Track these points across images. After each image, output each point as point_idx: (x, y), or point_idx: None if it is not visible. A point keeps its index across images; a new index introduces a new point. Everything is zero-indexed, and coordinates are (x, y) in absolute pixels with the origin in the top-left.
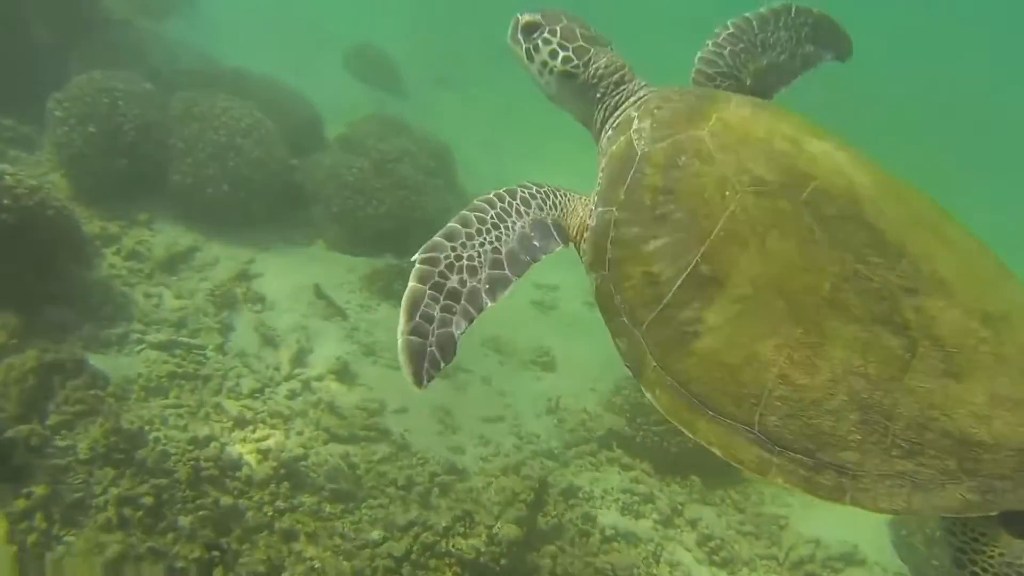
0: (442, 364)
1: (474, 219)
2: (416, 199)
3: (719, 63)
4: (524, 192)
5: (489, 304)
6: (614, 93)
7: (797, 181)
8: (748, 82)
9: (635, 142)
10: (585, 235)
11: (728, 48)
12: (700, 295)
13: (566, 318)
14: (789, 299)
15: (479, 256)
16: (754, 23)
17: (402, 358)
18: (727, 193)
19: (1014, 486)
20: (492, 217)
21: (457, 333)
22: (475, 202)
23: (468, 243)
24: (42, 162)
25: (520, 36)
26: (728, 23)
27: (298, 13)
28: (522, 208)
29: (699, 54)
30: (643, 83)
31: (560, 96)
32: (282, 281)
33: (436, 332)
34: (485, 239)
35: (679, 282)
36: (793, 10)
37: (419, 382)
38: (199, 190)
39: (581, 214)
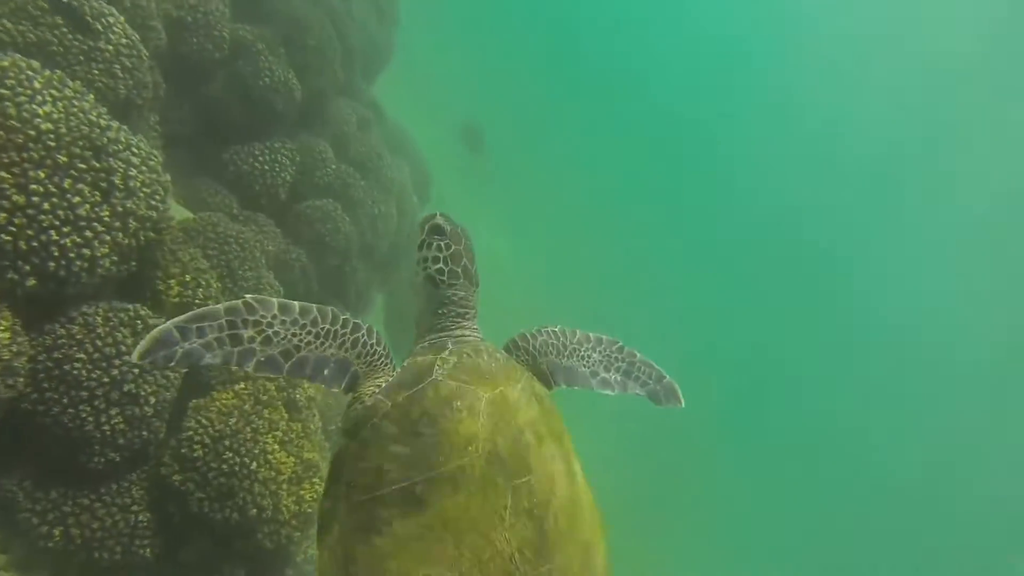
0: (171, 364)
1: (312, 313)
2: None
3: (528, 344)
4: (360, 336)
5: (247, 369)
6: (452, 318)
7: (519, 469)
8: (543, 367)
9: (436, 367)
10: (357, 404)
11: (541, 339)
12: (403, 506)
13: None
14: (458, 549)
15: (282, 338)
16: (578, 334)
17: (152, 335)
18: (470, 448)
19: None
20: (320, 326)
21: (206, 360)
22: (324, 307)
23: (286, 322)
24: None
25: (427, 227)
26: (557, 326)
27: None
28: (347, 345)
29: (520, 332)
30: (475, 328)
31: (416, 288)
32: None
33: (196, 343)
34: (300, 333)
35: (396, 487)
36: (617, 346)
37: (141, 357)
38: None
39: (373, 385)
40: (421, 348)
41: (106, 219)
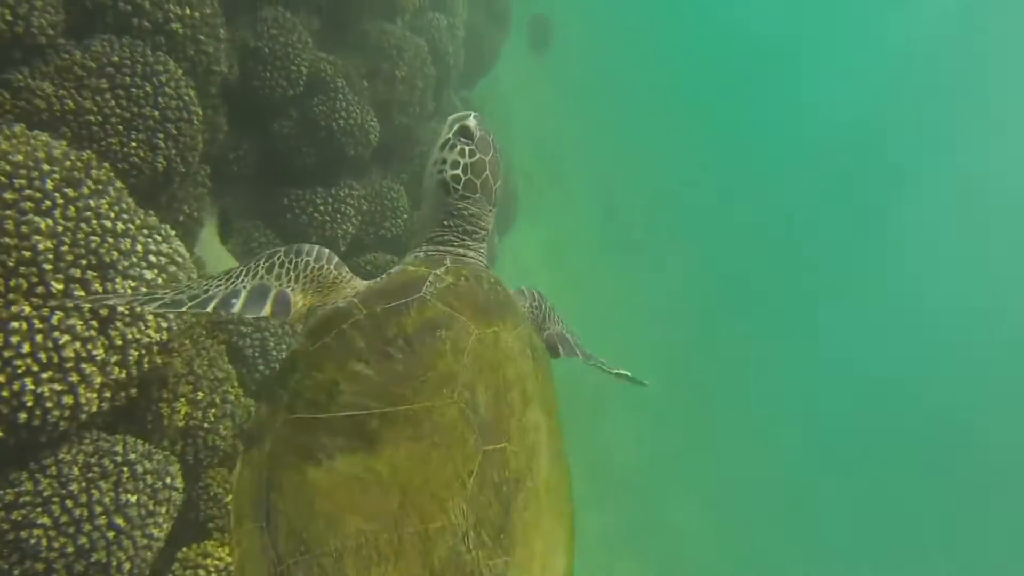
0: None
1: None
2: None
3: (536, 304)
4: (291, 259)
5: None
6: (457, 233)
7: (496, 431)
8: (548, 335)
9: (427, 283)
10: (324, 308)
11: (547, 305)
12: (351, 439)
13: None
14: (403, 507)
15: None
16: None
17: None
18: (444, 389)
19: None
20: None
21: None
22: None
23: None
24: None
25: (455, 127)
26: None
27: None
28: (265, 274)
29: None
30: (481, 252)
31: (426, 190)
32: None
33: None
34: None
35: (348, 414)
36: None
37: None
38: None
39: (335, 294)
40: (415, 258)
41: (99, 357)
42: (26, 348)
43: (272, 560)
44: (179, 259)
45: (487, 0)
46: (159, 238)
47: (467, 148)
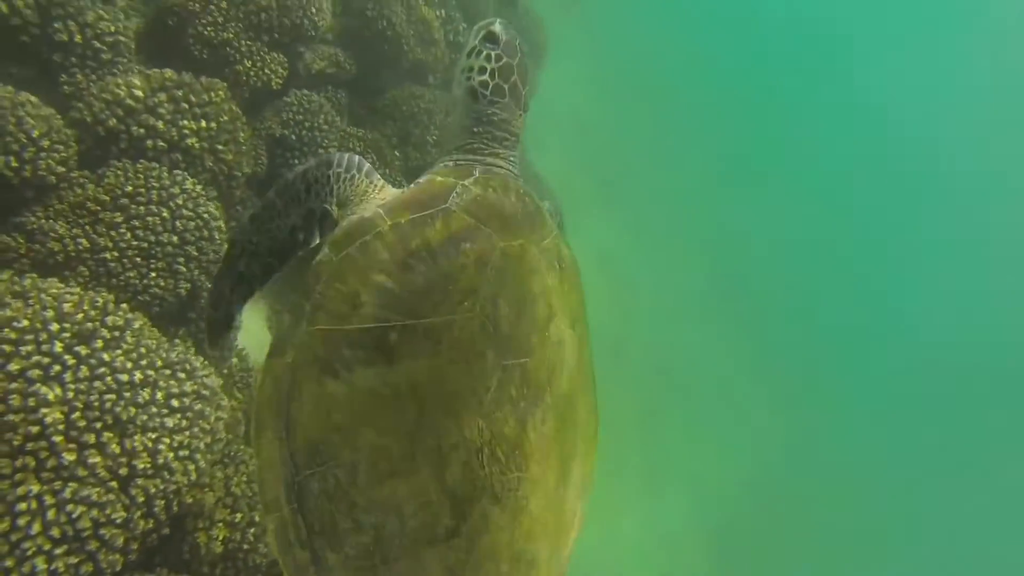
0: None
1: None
2: None
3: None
4: (310, 176)
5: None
6: (486, 140)
7: (517, 347)
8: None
9: (454, 194)
10: (352, 216)
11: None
12: (371, 351)
13: None
14: (419, 423)
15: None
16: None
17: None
18: (465, 303)
19: None
20: (280, 204)
21: (239, 314)
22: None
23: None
24: None
25: (480, 34)
26: None
27: None
28: (303, 195)
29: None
30: (511, 159)
31: (455, 97)
32: None
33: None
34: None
35: (368, 325)
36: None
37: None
38: None
39: (364, 204)
40: (444, 167)
41: (120, 519)
42: (36, 528)
43: (290, 471)
44: (205, 392)
45: (521, 32)
46: (183, 375)
47: (493, 53)
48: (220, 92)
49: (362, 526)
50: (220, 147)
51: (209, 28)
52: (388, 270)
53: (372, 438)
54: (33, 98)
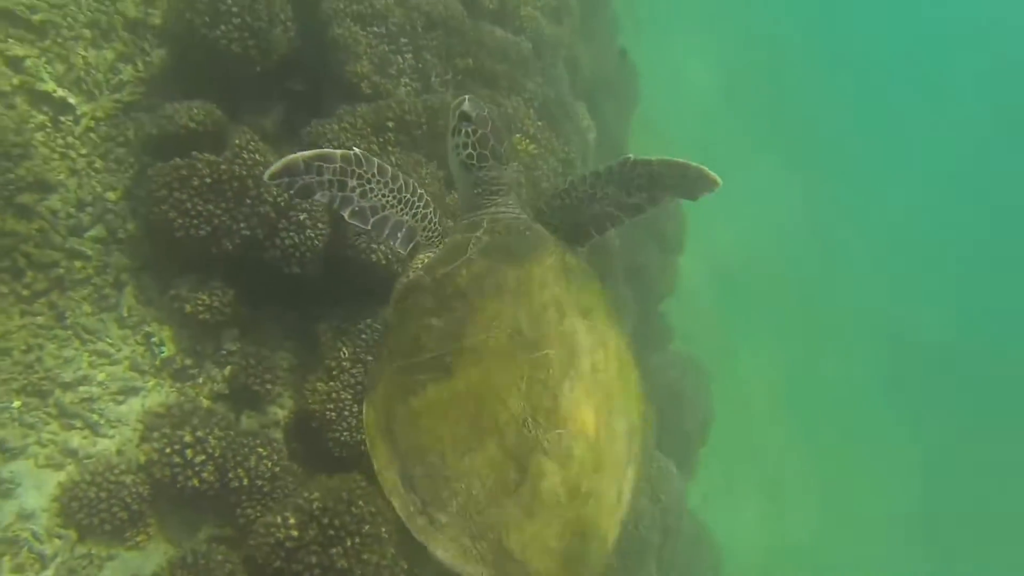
0: (291, 192)
1: (399, 180)
2: None
3: (547, 214)
4: (429, 212)
5: (343, 214)
6: (486, 196)
7: (538, 343)
8: (562, 231)
9: (471, 245)
10: (403, 278)
11: (559, 202)
12: (435, 372)
13: None
14: (479, 411)
15: (376, 195)
16: (588, 180)
17: (283, 160)
18: (494, 323)
19: None
20: (403, 193)
21: (316, 197)
22: (408, 177)
23: (381, 182)
24: None
25: (456, 114)
26: (567, 179)
27: None
28: (418, 216)
29: (543, 200)
30: (510, 203)
31: (453, 173)
32: None
33: (314, 179)
34: (388, 196)
35: (429, 356)
36: (630, 163)
37: (271, 178)
38: None
39: (422, 258)
40: (460, 226)
41: None
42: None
43: (400, 465)
44: None
45: (606, 85)
46: None
47: (469, 128)
48: None
49: (456, 492)
50: None
51: (346, 433)
52: (435, 313)
53: (449, 429)
54: None
